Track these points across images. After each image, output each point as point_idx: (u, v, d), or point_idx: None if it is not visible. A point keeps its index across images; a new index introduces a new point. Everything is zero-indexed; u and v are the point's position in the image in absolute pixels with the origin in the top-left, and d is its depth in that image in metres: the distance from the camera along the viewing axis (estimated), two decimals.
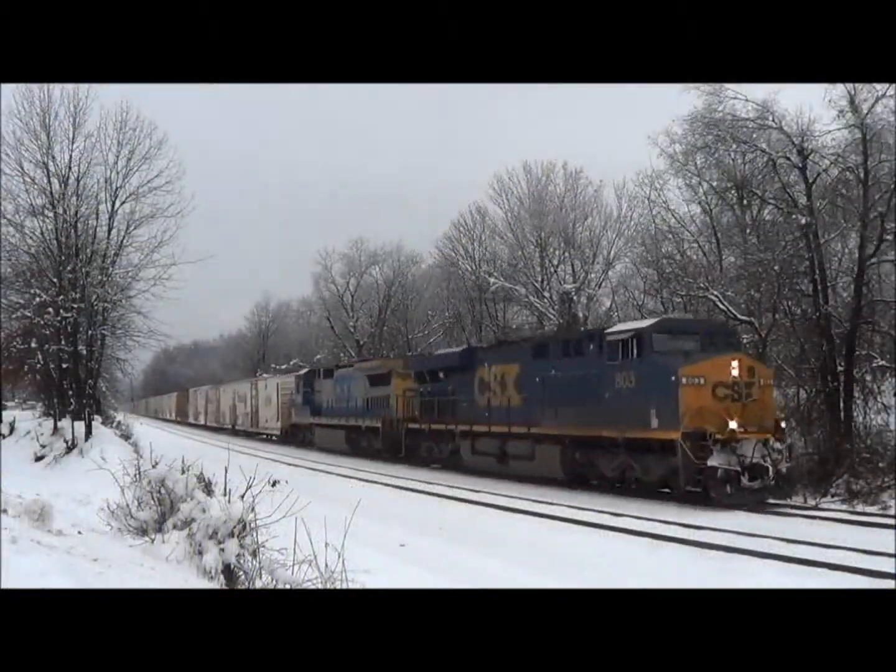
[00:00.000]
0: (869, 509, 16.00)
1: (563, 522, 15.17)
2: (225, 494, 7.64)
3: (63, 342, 26.76)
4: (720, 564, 10.95)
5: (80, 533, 8.18)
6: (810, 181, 28.56)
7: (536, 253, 45.60)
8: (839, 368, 22.80)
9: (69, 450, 24.83)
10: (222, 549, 6.89)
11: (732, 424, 15.92)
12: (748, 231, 31.32)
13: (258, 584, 6.70)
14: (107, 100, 27.29)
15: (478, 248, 49.33)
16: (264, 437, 51.58)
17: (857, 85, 24.87)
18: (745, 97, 28.30)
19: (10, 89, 25.71)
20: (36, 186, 27.45)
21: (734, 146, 30.24)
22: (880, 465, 17.79)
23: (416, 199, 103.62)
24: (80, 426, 25.66)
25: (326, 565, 6.34)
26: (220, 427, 63.48)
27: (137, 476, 8.38)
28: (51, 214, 27.39)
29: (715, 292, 29.80)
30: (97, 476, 10.55)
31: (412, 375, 29.69)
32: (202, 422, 72.73)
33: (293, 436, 44.16)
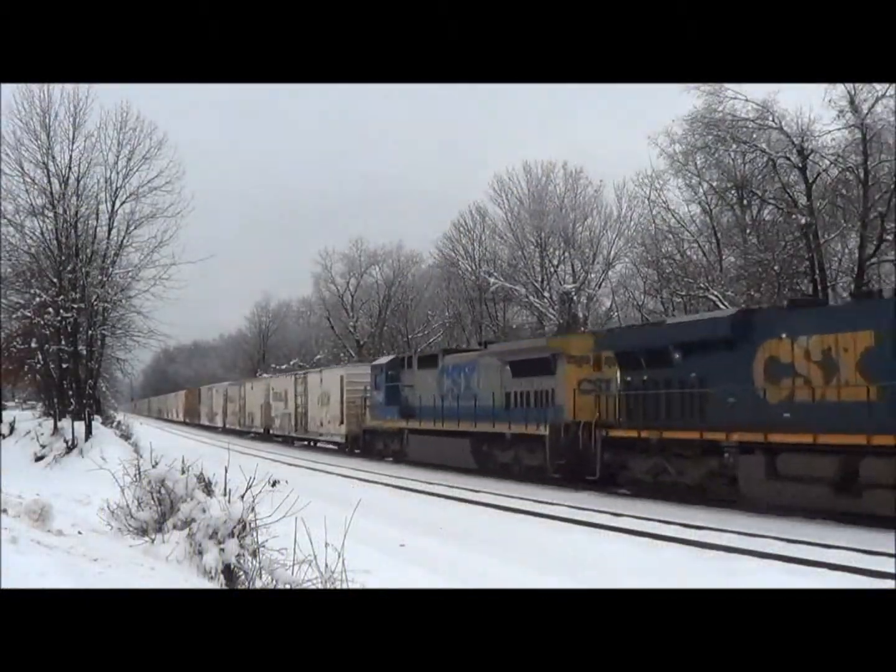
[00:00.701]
0: None
1: (563, 522, 15.18)
2: (225, 494, 7.64)
3: (63, 342, 26.79)
4: (720, 564, 10.96)
5: (80, 533, 8.19)
6: (810, 181, 28.62)
7: (536, 253, 45.69)
8: None
9: (69, 450, 24.86)
10: (222, 549, 6.89)
11: None
12: (748, 231, 31.38)
13: (258, 584, 6.70)
14: (107, 100, 27.39)
15: (478, 248, 49.46)
16: (308, 444, 43.03)
17: (857, 85, 24.94)
18: (745, 97, 28.41)
19: (11, 89, 25.78)
20: (36, 186, 27.54)
21: (734, 146, 30.32)
22: None
23: (418, 199, 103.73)
24: (80, 426, 25.69)
25: (326, 565, 6.34)
26: (246, 431, 55.00)
27: (137, 476, 8.39)
28: (51, 214, 27.45)
29: (715, 292, 29.85)
30: (97, 476, 10.55)
31: (592, 360, 20.98)
32: (219, 424, 63.90)
33: (369, 444, 33.78)
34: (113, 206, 28.07)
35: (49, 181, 27.52)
